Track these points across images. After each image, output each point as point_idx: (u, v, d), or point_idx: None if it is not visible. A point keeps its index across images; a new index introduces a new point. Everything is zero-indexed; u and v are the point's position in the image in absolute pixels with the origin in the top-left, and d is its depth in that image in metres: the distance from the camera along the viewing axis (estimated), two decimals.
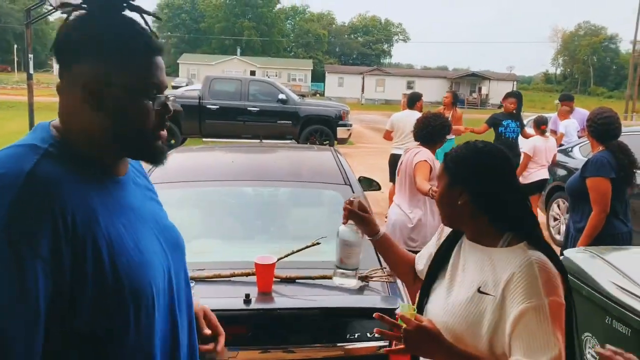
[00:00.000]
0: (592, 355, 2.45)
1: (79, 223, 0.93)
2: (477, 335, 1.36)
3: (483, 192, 1.43)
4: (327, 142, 12.76)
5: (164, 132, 1.09)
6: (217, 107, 12.55)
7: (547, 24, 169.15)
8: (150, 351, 1.04)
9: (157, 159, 1.09)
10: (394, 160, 7.33)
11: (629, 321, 2.18)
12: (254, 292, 2.11)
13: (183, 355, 1.14)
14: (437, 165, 3.80)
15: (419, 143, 3.95)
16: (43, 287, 0.88)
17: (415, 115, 7.33)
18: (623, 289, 2.29)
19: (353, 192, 2.99)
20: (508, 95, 7.68)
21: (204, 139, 12.54)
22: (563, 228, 6.63)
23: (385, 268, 2.45)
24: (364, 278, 2.32)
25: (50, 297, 0.89)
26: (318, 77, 62.13)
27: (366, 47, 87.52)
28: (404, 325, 1.36)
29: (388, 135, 7.39)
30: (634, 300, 2.20)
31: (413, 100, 7.31)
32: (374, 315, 1.44)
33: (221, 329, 1.33)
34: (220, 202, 3.03)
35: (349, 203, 1.78)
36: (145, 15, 1.07)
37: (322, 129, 12.91)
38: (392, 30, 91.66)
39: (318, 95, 51.68)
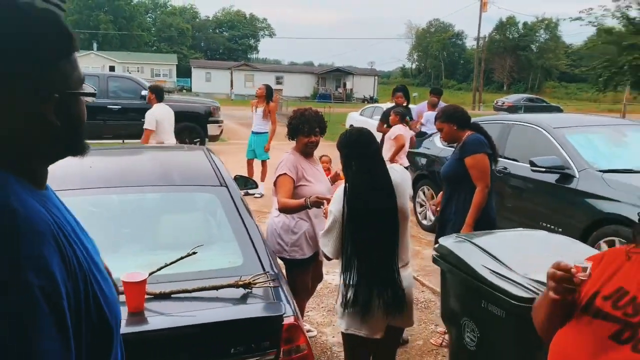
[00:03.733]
0: (471, 339, 2.55)
1: (70, 257, 0.89)
2: None
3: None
4: (198, 139, 12.30)
5: None
6: None
7: (403, 21, 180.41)
8: None
9: (86, 150, 1.07)
10: None
11: (502, 303, 2.29)
12: (123, 313, 1.87)
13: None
14: (306, 166, 3.40)
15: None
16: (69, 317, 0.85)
17: (169, 109, 7.45)
18: (495, 272, 2.39)
19: (230, 193, 2.82)
20: (396, 90, 8.14)
21: None
22: (429, 214, 7.04)
23: (268, 272, 2.34)
24: (247, 285, 2.18)
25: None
26: (184, 72, 60.12)
27: (232, 42, 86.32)
28: None
29: (149, 136, 6.93)
30: (505, 282, 2.31)
31: (160, 94, 7.34)
32: None
33: None
34: (78, 213, 2.68)
35: None
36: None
37: (191, 126, 12.39)
38: (257, 25, 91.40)
39: (184, 91, 49.99)
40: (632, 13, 17.30)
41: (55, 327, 0.81)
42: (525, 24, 74.72)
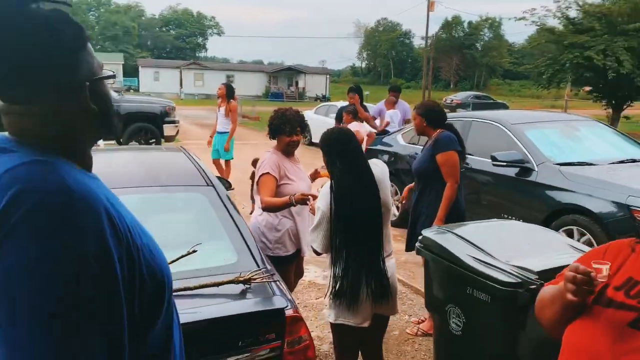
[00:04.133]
0: (457, 324, 2.69)
1: (121, 229, 0.95)
2: None
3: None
4: (154, 140, 12.06)
5: None
6: None
7: (351, 20, 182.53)
8: None
9: (118, 129, 1.20)
10: None
11: (488, 288, 2.44)
12: None
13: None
14: (287, 165, 3.44)
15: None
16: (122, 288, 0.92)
17: None
18: (479, 260, 2.54)
19: (217, 193, 2.85)
20: (349, 90, 8.30)
21: None
22: (393, 209, 7.23)
23: (264, 268, 2.39)
24: (247, 281, 2.23)
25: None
26: (131, 71, 58.46)
27: (180, 40, 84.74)
28: None
29: None
30: (489, 269, 2.46)
31: None
32: None
33: None
34: None
35: None
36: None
37: (146, 127, 12.13)
38: (205, 23, 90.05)
39: (132, 90, 48.64)
40: (572, 13, 18.19)
41: (106, 293, 0.89)
42: (470, 23, 76.91)
